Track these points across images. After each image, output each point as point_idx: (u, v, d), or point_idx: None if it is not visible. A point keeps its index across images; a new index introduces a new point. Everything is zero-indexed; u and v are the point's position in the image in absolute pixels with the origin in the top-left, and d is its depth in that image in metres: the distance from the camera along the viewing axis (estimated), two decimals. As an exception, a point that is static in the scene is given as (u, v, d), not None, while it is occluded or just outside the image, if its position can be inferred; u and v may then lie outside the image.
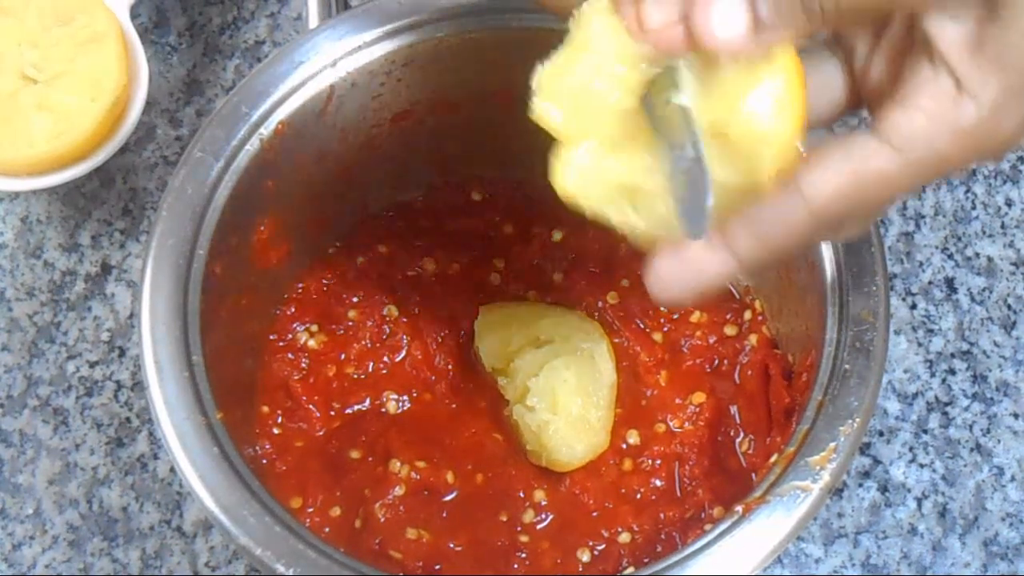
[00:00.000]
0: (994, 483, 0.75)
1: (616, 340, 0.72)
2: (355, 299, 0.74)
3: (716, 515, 0.66)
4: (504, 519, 0.68)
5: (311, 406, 0.71)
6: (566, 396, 0.68)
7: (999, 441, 0.76)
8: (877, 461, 0.75)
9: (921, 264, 0.80)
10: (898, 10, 0.47)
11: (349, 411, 0.71)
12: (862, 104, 0.51)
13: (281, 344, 0.73)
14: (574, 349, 0.69)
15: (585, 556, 0.67)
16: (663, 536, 0.67)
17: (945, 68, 0.46)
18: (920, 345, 0.78)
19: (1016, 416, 0.76)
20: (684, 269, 0.49)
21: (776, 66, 0.47)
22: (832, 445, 0.59)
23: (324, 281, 0.74)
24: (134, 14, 0.78)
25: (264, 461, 0.69)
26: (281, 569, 0.57)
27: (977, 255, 0.80)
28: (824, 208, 0.47)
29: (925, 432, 0.76)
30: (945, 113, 0.46)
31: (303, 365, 0.72)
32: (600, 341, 0.70)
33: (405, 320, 0.73)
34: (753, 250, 0.48)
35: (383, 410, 0.71)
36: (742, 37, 0.45)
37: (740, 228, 0.48)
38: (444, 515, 0.68)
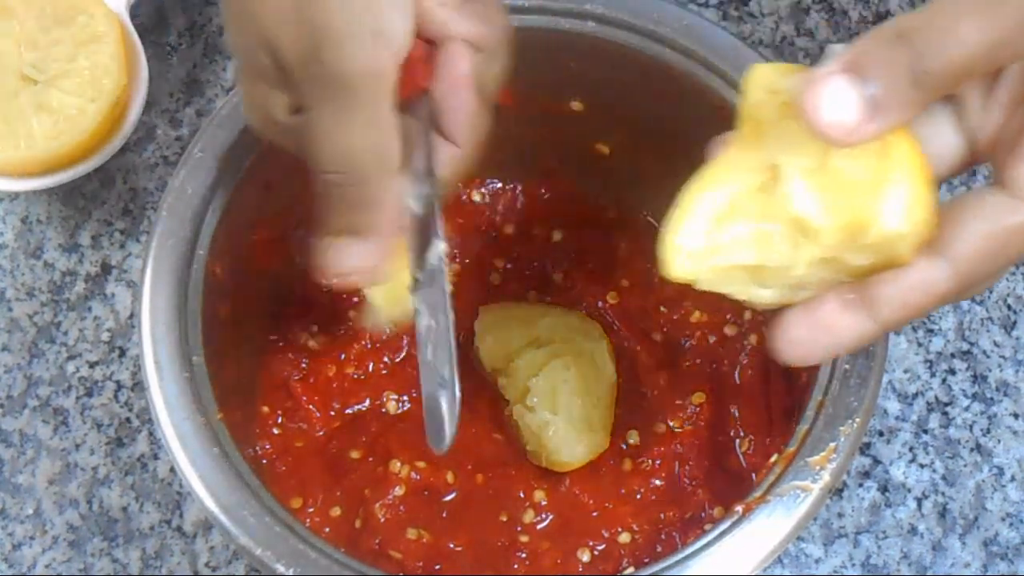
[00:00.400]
0: (994, 483, 0.75)
1: (616, 340, 0.72)
2: (355, 299, 0.74)
3: (716, 515, 0.67)
4: (504, 519, 0.68)
5: (311, 406, 0.71)
6: (566, 396, 0.68)
7: (999, 441, 0.76)
8: (877, 461, 0.75)
9: (921, 264, 0.80)
10: (1012, 62, 0.45)
11: (349, 411, 0.71)
12: (979, 160, 0.49)
13: (281, 344, 0.73)
14: (574, 349, 0.69)
15: (585, 556, 0.67)
16: (663, 536, 0.67)
17: None
18: (920, 345, 0.78)
19: (1016, 416, 0.76)
20: (820, 333, 0.47)
21: (898, 159, 0.45)
22: (832, 445, 0.59)
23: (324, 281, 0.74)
24: (134, 14, 0.78)
25: (264, 461, 0.69)
26: (281, 569, 0.57)
27: (977, 255, 0.80)
28: (968, 271, 0.45)
29: (925, 432, 0.76)
30: None
31: (303, 365, 0.72)
32: (600, 341, 0.70)
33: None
34: (895, 316, 0.46)
35: (383, 410, 0.71)
36: (855, 121, 0.42)
37: (883, 295, 0.46)
38: (444, 515, 0.68)
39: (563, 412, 0.67)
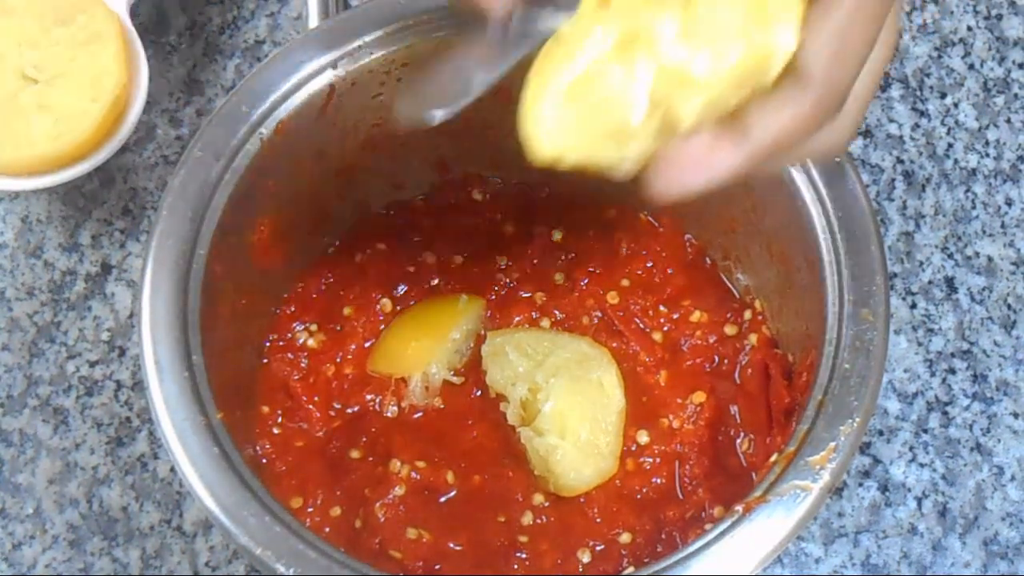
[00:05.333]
0: (994, 483, 0.75)
1: (616, 340, 0.72)
2: (352, 296, 0.74)
3: (716, 515, 0.67)
4: (504, 519, 0.68)
5: (311, 406, 0.71)
6: (575, 422, 0.67)
7: (999, 441, 0.76)
8: (877, 461, 0.75)
9: (921, 264, 0.80)
10: None
11: (349, 411, 0.71)
12: None
13: (281, 344, 0.73)
14: (583, 375, 0.69)
15: (585, 556, 0.67)
16: (663, 536, 0.67)
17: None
18: (920, 345, 0.78)
19: (1016, 416, 0.76)
20: (694, 166, 0.49)
21: None
22: (832, 445, 0.59)
23: (324, 281, 0.75)
24: (134, 14, 0.78)
25: (264, 461, 0.69)
26: (281, 569, 0.57)
27: (977, 255, 0.80)
28: (823, 75, 0.48)
29: (925, 432, 0.76)
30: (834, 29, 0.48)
31: (303, 365, 0.72)
32: (609, 367, 0.70)
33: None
34: (764, 140, 0.49)
35: (383, 410, 0.71)
36: None
37: (751, 121, 0.49)
38: (444, 515, 0.68)
39: (571, 437, 0.67)
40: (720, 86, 0.48)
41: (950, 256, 0.80)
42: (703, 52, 0.47)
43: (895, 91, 0.84)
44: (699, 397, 0.70)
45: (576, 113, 0.49)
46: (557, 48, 0.50)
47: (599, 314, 0.74)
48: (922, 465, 0.75)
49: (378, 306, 0.74)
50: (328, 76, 0.68)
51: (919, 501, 0.74)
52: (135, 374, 0.78)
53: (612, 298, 0.74)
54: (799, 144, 0.50)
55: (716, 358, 0.72)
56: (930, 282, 0.79)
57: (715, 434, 0.69)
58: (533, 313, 0.74)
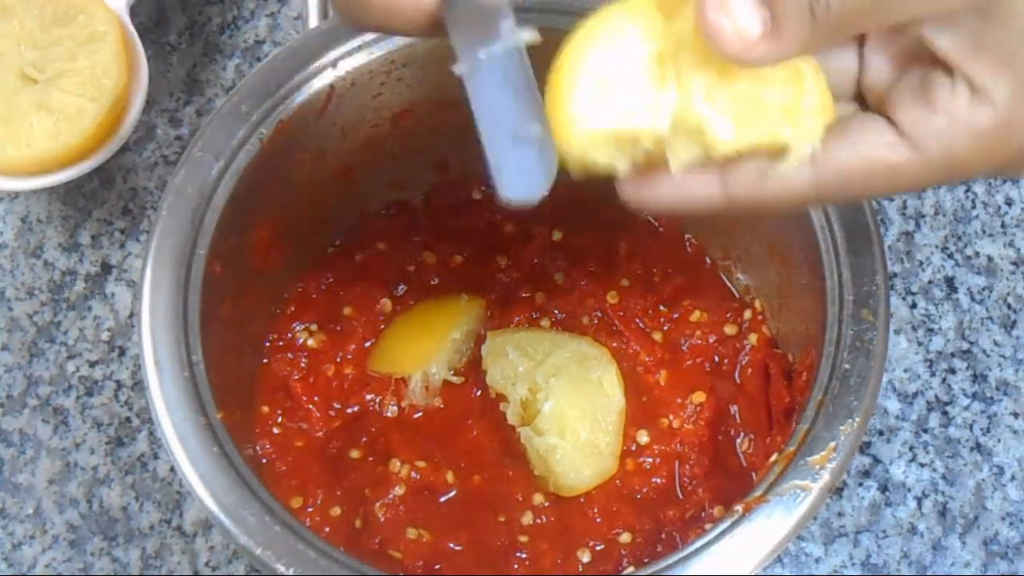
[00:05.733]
0: (994, 482, 0.75)
1: (616, 340, 0.72)
2: (352, 296, 0.74)
3: (716, 514, 0.67)
4: (504, 519, 0.68)
5: (311, 406, 0.71)
6: (574, 421, 0.67)
7: (999, 440, 0.76)
8: (877, 460, 0.75)
9: (921, 263, 0.80)
10: (894, 22, 0.47)
11: (349, 411, 0.71)
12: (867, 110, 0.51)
13: (281, 344, 0.73)
14: (583, 375, 0.69)
15: (585, 556, 0.67)
16: (663, 536, 0.67)
17: (958, 73, 0.46)
18: (920, 344, 0.78)
19: (1016, 415, 0.76)
20: (670, 186, 0.48)
21: (810, 88, 0.47)
22: (832, 444, 0.59)
23: (324, 280, 0.75)
24: (134, 13, 0.78)
25: (264, 461, 0.69)
26: (281, 569, 0.57)
27: (977, 254, 0.80)
28: (828, 182, 0.48)
29: (925, 431, 0.76)
30: (963, 115, 0.46)
31: (303, 365, 0.72)
32: (609, 367, 0.70)
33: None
34: (746, 196, 0.48)
35: (383, 410, 0.71)
36: (753, 38, 0.44)
37: (743, 172, 0.48)
38: (444, 515, 0.68)
39: (571, 437, 0.67)
40: (726, 151, 0.47)
41: (950, 256, 0.80)
42: (725, 118, 0.46)
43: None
44: (699, 397, 0.70)
45: (603, 105, 0.47)
46: (595, 31, 0.48)
47: (599, 314, 0.74)
48: (922, 465, 0.75)
49: (378, 306, 0.74)
50: (328, 76, 0.68)
51: (919, 501, 0.74)
52: (135, 374, 0.78)
53: (612, 298, 0.74)
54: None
55: (716, 358, 0.72)
56: (930, 282, 0.79)
57: (715, 434, 0.69)
58: (533, 313, 0.74)
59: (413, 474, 0.68)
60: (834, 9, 0.44)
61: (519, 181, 0.47)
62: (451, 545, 0.67)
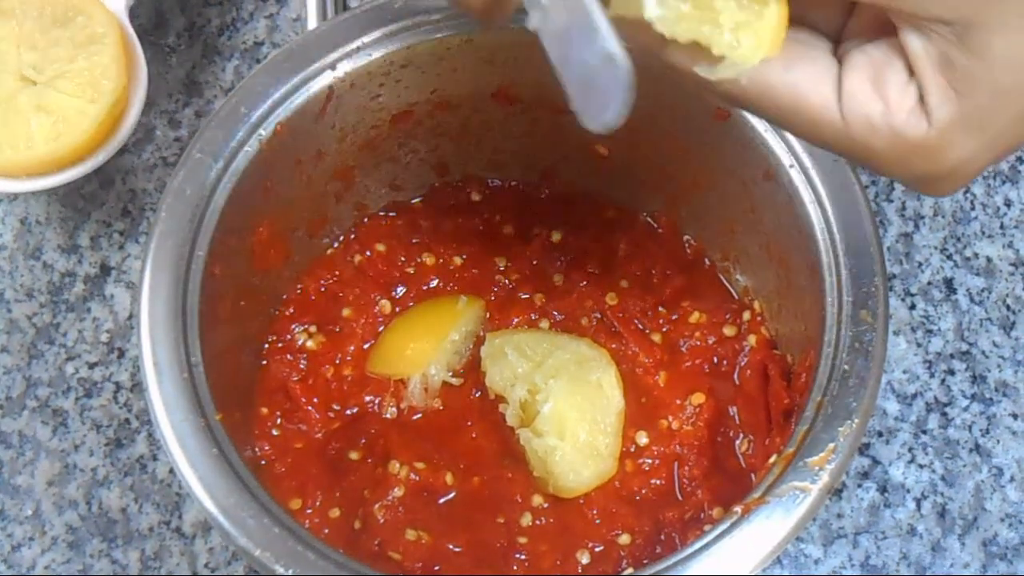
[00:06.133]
0: (993, 483, 0.75)
1: (615, 341, 0.72)
2: (351, 297, 0.74)
3: (715, 516, 0.67)
4: (503, 520, 0.68)
5: (310, 407, 0.71)
6: (574, 423, 0.67)
7: (998, 442, 0.76)
8: (876, 462, 0.75)
9: (920, 265, 0.80)
10: (872, 7, 0.47)
11: (348, 412, 0.71)
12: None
13: (280, 345, 0.73)
14: (582, 376, 0.69)
15: (584, 557, 0.67)
16: (662, 537, 0.67)
17: (917, 77, 0.46)
18: (919, 346, 0.78)
19: (1015, 416, 0.76)
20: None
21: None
22: (831, 446, 0.59)
23: (323, 282, 0.75)
24: (133, 15, 0.78)
25: (263, 462, 0.69)
26: (280, 570, 0.57)
27: (976, 255, 0.80)
28: (749, 93, 0.48)
29: (924, 433, 0.76)
30: (900, 115, 0.46)
31: (302, 366, 0.72)
32: (608, 368, 0.70)
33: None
34: (677, 67, 0.48)
35: (382, 412, 0.71)
36: None
37: (681, 48, 0.47)
38: (443, 516, 0.68)
39: (570, 438, 0.67)
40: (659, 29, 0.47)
41: (949, 257, 0.80)
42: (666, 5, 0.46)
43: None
44: (698, 398, 0.70)
45: None
46: None
47: (598, 315, 0.74)
48: (921, 466, 0.75)
49: (377, 307, 0.74)
50: (327, 77, 0.68)
51: (918, 502, 0.74)
52: (134, 375, 0.78)
53: (611, 299, 0.74)
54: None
55: (715, 359, 0.72)
56: (929, 283, 0.79)
57: (714, 435, 0.69)
58: (532, 314, 0.74)
59: (412, 475, 0.68)
60: None
61: (598, 108, 0.46)
62: (450, 546, 0.67)
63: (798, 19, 0.48)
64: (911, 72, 0.46)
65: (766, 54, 0.47)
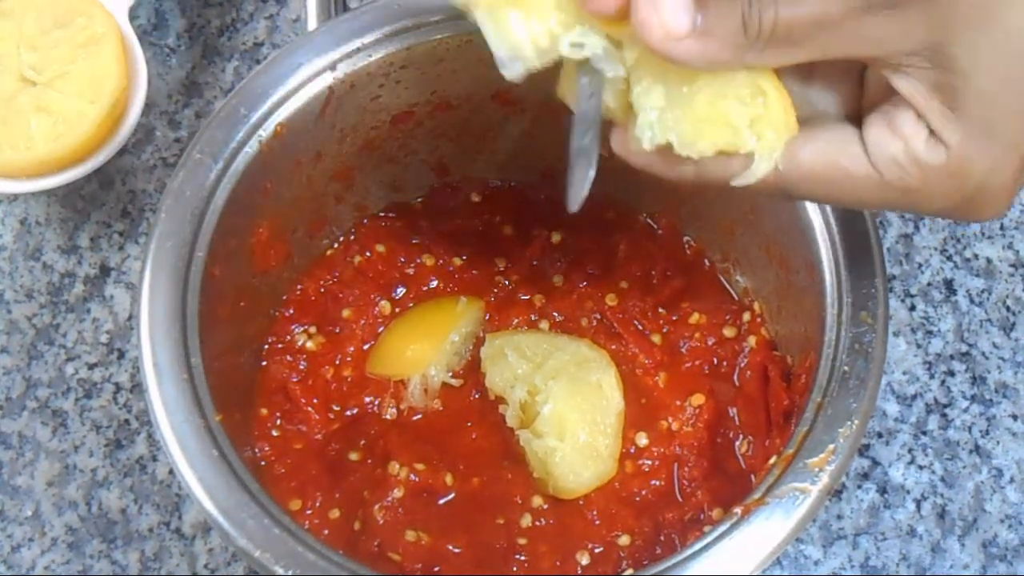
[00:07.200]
0: (993, 484, 0.75)
1: (615, 342, 0.72)
2: (351, 298, 0.74)
3: (715, 517, 0.67)
4: (503, 521, 0.68)
5: (310, 408, 0.71)
6: (574, 424, 0.67)
7: (998, 443, 0.76)
8: (876, 463, 0.75)
9: (920, 266, 0.80)
10: (837, 56, 0.48)
11: (348, 413, 0.71)
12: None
13: (280, 346, 0.73)
14: (582, 377, 0.69)
15: (584, 558, 0.66)
16: (662, 538, 0.67)
17: (919, 112, 0.48)
18: (919, 347, 0.78)
19: (1015, 418, 0.76)
20: (653, 154, 0.51)
21: (771, 98, 0.49)
22: (831, 447, 0.59)
23: (322, 283, 0.75)
24: (133, 16, 0.78)
25: (263, 463, 0.69)
26: (280, 571, 0.57)
27: (976, 257, 0.80)
28: (789, 178, 0.50)
29: (924, 434, 0.76)
30: (920, 148, 0.48)
31: (302, 367, 0.72)
32: (608, 369, 0.70)
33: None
34: (715, 181, 0.50)
35: (382, 412, 0.71)
36: (683, 33, 0.46)
37: (712, 164, 0.50)
38: (443, 517, 0.68)
39: (570, 439, 0.67)
40: (688, 154, 0.50)
41: (949, 258, 0.80)
42: (683, 131, 0.49)
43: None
44: (698, 399, 0.70)
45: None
46: None
47: (598, 316, 0.74)
48: (921, 467, 0.75)
49: (377, 308, 0.74)
50: (327, 78, 0.68)
51: (918, 503, 0.74)
52: (134, 376, 0.78)
53: (611, 300, 0.74)
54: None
55: (715, 360, 0.72)
56: (929, 284, 0.79)
57: (714, 436, 0.69)
58: (532, 315, 0.74)
59: (412, 476, 0.68)
60: (765, 25, 0.46)
61: (571, 192, 0.54)
62: (450, 547, 0.67)
63: (811, 110, 0.51)
64: (918, 113, 0.48)
65: (790, 134, 0.50)
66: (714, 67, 0.48)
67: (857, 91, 0.52)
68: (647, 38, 0.47)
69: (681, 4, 0.46)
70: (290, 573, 0.57)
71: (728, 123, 0.49)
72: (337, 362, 0.72)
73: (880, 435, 0.76)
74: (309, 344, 0.73)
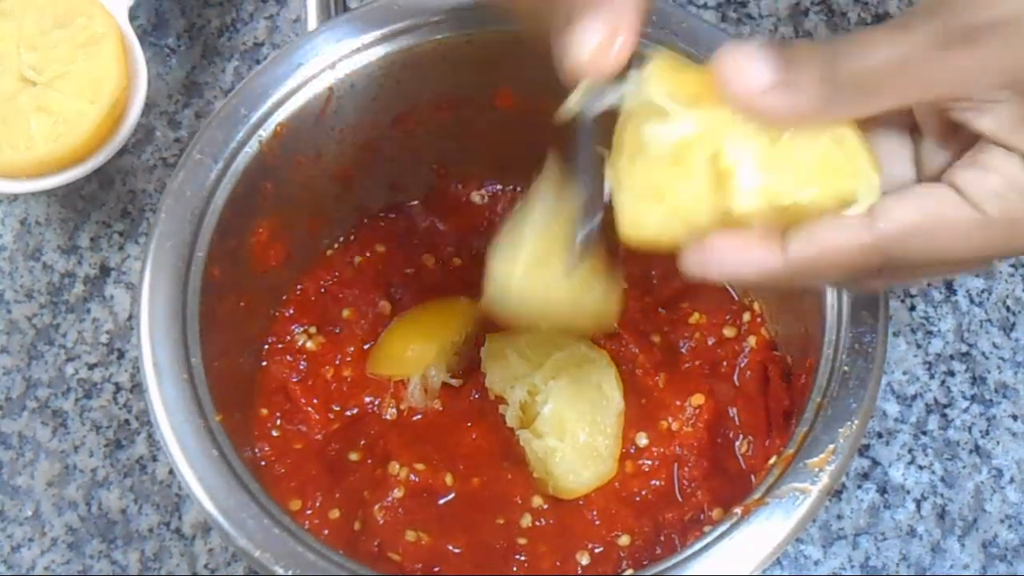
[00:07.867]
0: (993, 485, 0.75)
1: (615, 342, 0.72)
2: (351, 298, 0.74)
3: (715, 517, 0.67)
4: (503, 521, 0.68)
5: (310, 408, 0.71)
6: (573, 424, 0.67)
7: (998, 443, 0.76)
8: (876, 463, 0.75)
9: (920, 266, 0.80)
10: (919, 100, 0.48)
11: (348, 413, 0.71)
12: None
13: (280, 346, 0.73)
14: (582, 378, 0.69)
15: (584, 558, 0.66)
16: (662, 538, 0.67)
17: (1007, 146, 0.47)
18: (919, 347, 0.78)
19: (1015, 418, 0.76)
20: (731, 254, 0.49)
21: (856, 154, 0.48)
22: (831, 447, 0.59)
23: (322, 283, 0.75)
24: (133, 16, 0.78)
25: (263, 463, 0.69)
26: (280, 571, 0.57)
27: (976, 257, 0.80)
28: (890, 238, 0.48)
29: (924, 434, 0.76)
30: (1017, 175, 0.47)
31: (302, 367, 0.72)
32: (608, 369, 0.70)
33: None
34: (803, 255, 0.49)
35: (382, 413, 0.71)
36: (766, 86, 0.46)
37: (801, 232, 0.49)
38: (443, 517, 0.68)
39: (570, 439, 0.67)
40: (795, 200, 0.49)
41: (949, 258, 0.80)
42: (787, 179, 0.48)
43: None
44: (698, 399, 0.70)
45: (658, 215, 0.51)
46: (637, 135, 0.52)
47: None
48: (921, 467, 0.75)
49: (377, 308, 0.74)
50: (327, 78, 0.68)
51: (918, 503, 0.74)
52: (134, 376, 0.78)
53: (611, 300, 0.74)
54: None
55: (715, 360, 0.72)
56: (929, 284, 0.79)
57: (714, 436, 0.69)
58: (532, 315, 0.74)
59: (412, 476, 0.68)
60: (843, 75, 0.46)
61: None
62: (450, 547, 0.67)
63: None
64: (1007, 148, 0.48)
65: (879, 173, 0.48)
66: (802, 122, 0.47)
67: (917, 156, 0.51)
68: (731, 91, 0.46)
69: (761, 56, 0.46)
70: (290, 573, 0.57)
71: (829, 163, 0.48)
72: (337, 362, 0.72)
73: (880, 435, 0.76)
74: (309, 344, 0.73)
